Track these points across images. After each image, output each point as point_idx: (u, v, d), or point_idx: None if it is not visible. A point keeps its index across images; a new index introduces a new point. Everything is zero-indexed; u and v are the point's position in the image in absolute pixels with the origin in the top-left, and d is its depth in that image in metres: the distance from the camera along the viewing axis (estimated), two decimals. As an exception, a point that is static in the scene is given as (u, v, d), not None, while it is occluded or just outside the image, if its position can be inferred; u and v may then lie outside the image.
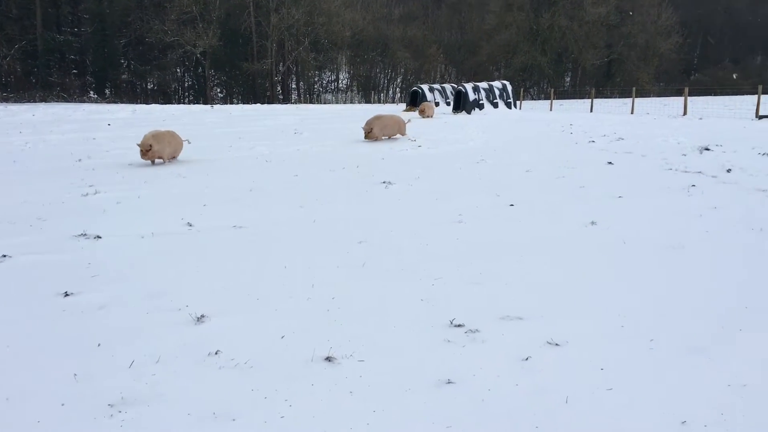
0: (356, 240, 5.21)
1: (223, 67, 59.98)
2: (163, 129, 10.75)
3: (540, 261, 4.58)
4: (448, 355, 3.03)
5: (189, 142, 11.05)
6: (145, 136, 10.02)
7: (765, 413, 2.47)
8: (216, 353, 3.04)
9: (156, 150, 9.97)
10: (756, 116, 20.44)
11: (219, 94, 62.40)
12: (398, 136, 14.54)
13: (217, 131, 17.53)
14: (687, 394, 2.62)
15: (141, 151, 9.87)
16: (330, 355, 3.01)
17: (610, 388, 2.68)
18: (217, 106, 38.16)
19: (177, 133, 10.84)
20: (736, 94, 39.90)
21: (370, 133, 13.70)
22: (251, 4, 55.41)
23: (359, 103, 60.00)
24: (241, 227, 5.74)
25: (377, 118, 14.07)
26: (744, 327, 3.30)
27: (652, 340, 3.16)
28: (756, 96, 21.87)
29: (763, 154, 10.09)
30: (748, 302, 3.65)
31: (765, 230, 5.29)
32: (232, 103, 57.78)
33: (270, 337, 3.24)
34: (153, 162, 10.19)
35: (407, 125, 14.93)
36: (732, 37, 71.70)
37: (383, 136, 14.12)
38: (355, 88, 67.11)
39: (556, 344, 3.13)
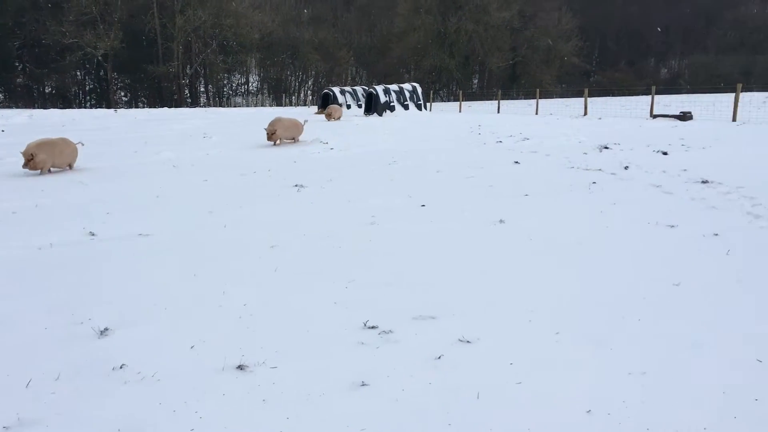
0: (268, 244, 5.14)
1: (127, 70, 57.81)
2: (55, 136, 10.22)
3: (451, 260, 4.66)
4: (362, 358, 3.03)
5: (83, 144, 10.57)
6: (28, 145, 9.44)
7: (663, 398, 2.60)
8: (121, 367, 2.92)
9: (40, 160, 9.37)
10: (650, 115, 21.56)
11: (123, 98, 60.12)
12: (300, 137, 14.61)
13: (122, 136, 16.90)
14: (591, 384, 2.72)
15: (24, 161, 9.31)
16: (242, 363, 2.94)
17: (519, 382, 2.76)
18: (121, 111, 36.78)
19: (69, 139, 10.29)
20: (632, 95, 41.95)
21: (273, 135, 13.65)
22: (155, 5, 53.65)
23: (270, 106, 59.29)
24: (147, 235, 5.55)
25: (278, 120, 14.04)
26: (642, 317, 3.47)
27: (557, 333, 3.27)
28: (650, 96, 23.07)
29: (657, 151, 10.66)
30: (645, 293, 3.84)
31: (660, 224, 5.59)
32: (137, 107, 55.82)
33: (179, 347, 3.15)
34: (49, 171, 9.70)
35: (305, 125, 15.01)
36: (627, 41, 75.42)
37: (286, 138, 14.13)
38: (265, 91, 66.24)
39: (468, 341, 3.18)
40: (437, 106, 41.44)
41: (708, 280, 4.05)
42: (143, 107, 53.13)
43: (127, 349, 3.11)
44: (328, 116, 23.08)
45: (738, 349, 3.04)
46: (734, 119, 18.07)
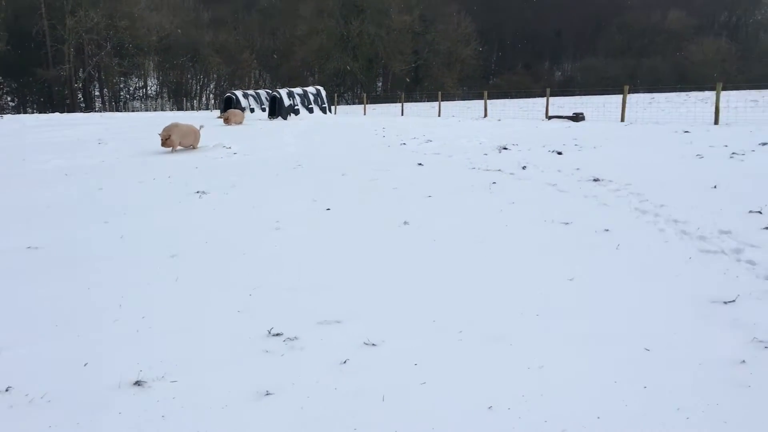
0: (168, 254, 4.98)
1: (14, 73, 54.66)
2: None
3: (356, 263, 4.67)
4: (266, 366, 2.99)
5: None
6: None
7: (560, 391, 2.70)
8: (6, 390, 2.74)
9: None
10: (546, 117, 22.43)
11: (10, 103, 56.82)
12: (198, 144, 14.03)
13: (9, 143, 15.95)
14: (492, 380, 2.79)
15: None
16: (140, 378, 2.83)
17: (423, 382, 2.79)
18: (7, 116, 34.73)
19: None
20: (529, 97, 43.56)
21: (168, 141, 12.87)
22: (43, 5, 50.96)
23: (171, 110, 57.62)
24: (36, 248, 5.25)
25: (175, 125, 13.35)
26: (540, 312, 3.59)
27: (460, 331, 3.33)
28: (545, 98, 24.00)
29: (552, 151, 11.10)
30: (542, 289, 3.98)
31: (556, 221, 5.81)
32: (26, 112, 52.90)
33: (71, 365, 2.99)
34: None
35: (201, 131, 14.37)
36: (523, 45, 78.25)
37: (184, 145, 13.54)
38: (165, 95, 64.31)
39: (373, 344, 3.19)
40: (342, 109, 41.53)
41: (600, 274, 4.25)
42: (33, 113, 50.40)
43: (14, 371, 2.93)
44: (227, 121, 22.50)
45: (628, 339, 3.20)
46: (623, 119, 19.08)
